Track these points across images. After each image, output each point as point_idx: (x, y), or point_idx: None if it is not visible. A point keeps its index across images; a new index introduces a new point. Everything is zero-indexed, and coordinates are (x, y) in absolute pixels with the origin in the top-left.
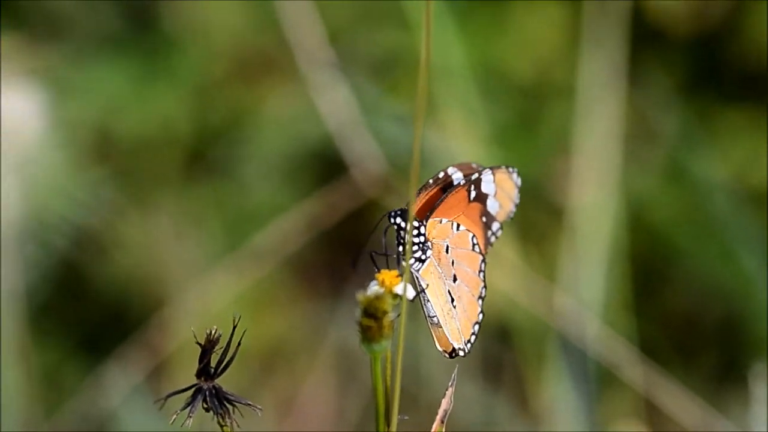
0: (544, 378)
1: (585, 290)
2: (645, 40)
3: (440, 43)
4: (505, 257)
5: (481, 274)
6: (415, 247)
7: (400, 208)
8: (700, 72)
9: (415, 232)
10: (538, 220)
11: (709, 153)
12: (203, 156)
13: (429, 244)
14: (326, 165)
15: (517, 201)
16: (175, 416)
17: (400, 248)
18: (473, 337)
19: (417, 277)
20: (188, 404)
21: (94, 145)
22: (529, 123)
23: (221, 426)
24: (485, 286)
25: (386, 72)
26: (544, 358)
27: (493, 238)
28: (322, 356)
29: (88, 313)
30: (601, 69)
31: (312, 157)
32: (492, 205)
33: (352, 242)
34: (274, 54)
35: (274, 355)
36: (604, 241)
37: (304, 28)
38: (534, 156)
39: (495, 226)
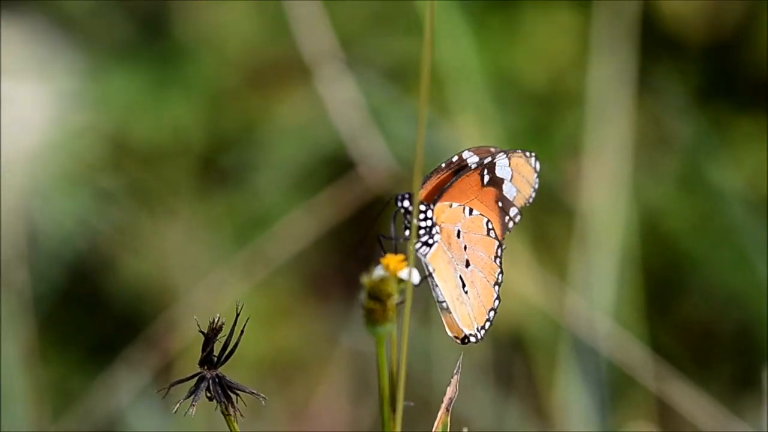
0: (556, 381)
1: (597, 295)
2: (659, 47)
3: (454, 49)
4: (518, 259)
5: (498, 260)
6: (422, 231)
7: (408, 191)
8: (713, 80)
9: (422, 216)
10: (551, 224)
11: (723, 161)
12: (216, 164)
13: (437, 228)
14: (339, 172)
15: (536, 186)
16: (178, 405)
17: (407, 232)
18: (488, 324)
19: (424, 262)
20: (191, 393)
21: (108, 153)
22: (541, 129)
23: (224, 415)
24: (502, 272)
25: (399, 76)
26: (557, 361)
27: (510, 224)
28: (336, 364)
29: (99, 323)
30: (611, 76)
31: (324, 164)
32: (508, 190)
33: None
34: (286, 61)
35: (287, 364)
36: (615, 245)
37: (316, 34)
38: (546, 161)
39: (512, 211)
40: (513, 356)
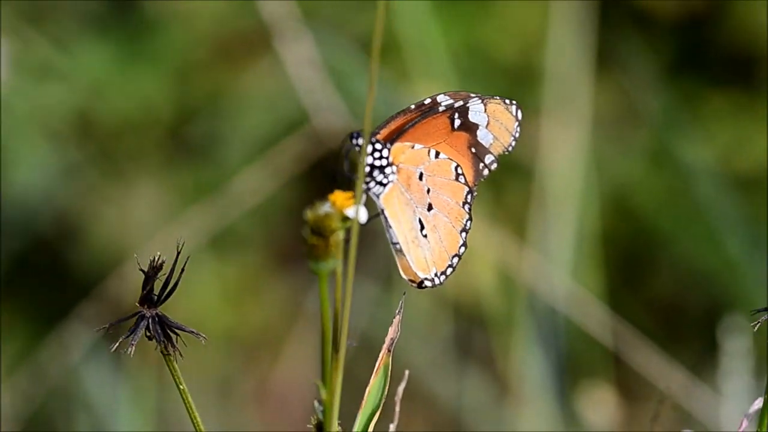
0: (514, 344)
1: (555, 257)
2: (630, 21)
3: (420, 21)
4: (476, 220)
5: (466, 206)
6: (376, 171)
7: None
8: (685, 55)
9: (377, 154)
10: (511, 187)
11: (694, 136)
12: (182, 135)
13: (393, 168)
14: (304, 141)
15: (517, 135)
16: (116, 344)
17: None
18: (450, 270)
19: (378, 203)
20: (131, 332)
21: (75, 125)
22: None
23: (164, 355)
24: (471, 219)
25: (366, 45)
26: (515, 323)
27: (486, 171)
28: (300, 333)
29: (63, 293)
30: (575, 48)
31: (289, 133)
32: (484, 137)
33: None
34: (255, 35)
35: (252, 336)
36: (573, 208)
37: (283, 5)
38: None
39: (488, 158)
40: (473, 326)
